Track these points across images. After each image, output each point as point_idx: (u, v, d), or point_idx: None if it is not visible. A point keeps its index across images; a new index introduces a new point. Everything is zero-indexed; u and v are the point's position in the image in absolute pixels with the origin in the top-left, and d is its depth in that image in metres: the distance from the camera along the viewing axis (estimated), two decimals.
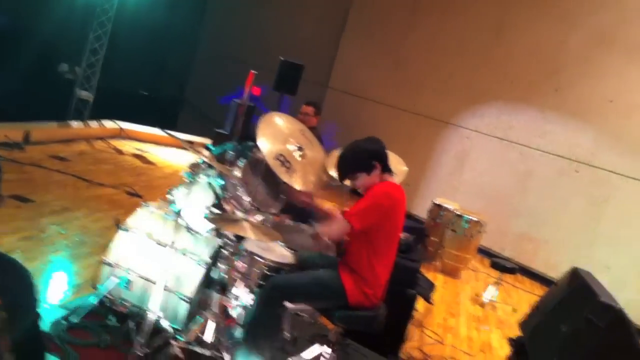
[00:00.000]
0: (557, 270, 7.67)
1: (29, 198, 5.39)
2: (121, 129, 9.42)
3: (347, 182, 3.23)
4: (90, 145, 8.30)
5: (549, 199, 8.06)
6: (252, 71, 8.77)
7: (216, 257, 3.07)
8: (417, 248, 5.08)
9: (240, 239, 3.06)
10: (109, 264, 3.24)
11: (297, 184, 3.09)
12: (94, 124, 9.05)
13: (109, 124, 9.31)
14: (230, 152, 3.41)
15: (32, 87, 9.31)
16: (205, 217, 3.02)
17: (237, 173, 3.24)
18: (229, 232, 3.10)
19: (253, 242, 3.19)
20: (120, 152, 8.43)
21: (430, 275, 6.86)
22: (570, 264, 7.56)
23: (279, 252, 3.34)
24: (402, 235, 5.25)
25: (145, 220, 3.32)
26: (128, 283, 3.15)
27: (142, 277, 3.23)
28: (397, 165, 4.16)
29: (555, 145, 8.06)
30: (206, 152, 2.94)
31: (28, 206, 5.23)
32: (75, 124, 8.81)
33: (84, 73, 9.28)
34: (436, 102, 9.34)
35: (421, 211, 8.67)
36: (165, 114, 12.99)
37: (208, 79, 13.05)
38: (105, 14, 9.07)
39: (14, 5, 9.15)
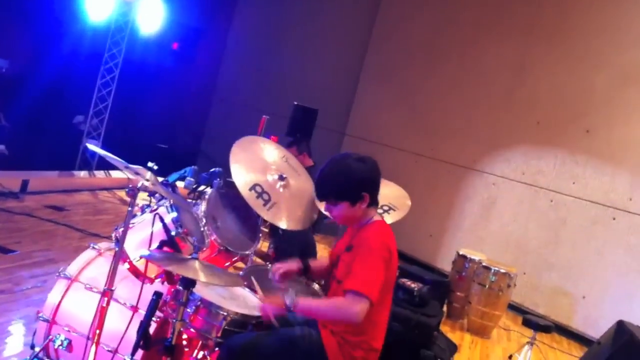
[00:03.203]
0: (596, 328, 7.00)
1: (12, 249, 5.00)
2: (129, 179, 9.05)
3: (321, 205, 2.68)
4: (93, 196, 7.92)
5: (584, 250, 7.40)
6: (265, 116, 8.46)
7: (153, 307, 2.40)
8: (433, 301, 4.49)
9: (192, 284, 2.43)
10: (46, 320, 2.69)
11: (278, 220, 2.55)
12: (100, 174, 8.73)
13: (116, 174, 8.97)
14: (189, 179, 2.88)
15: (41, 137, 9.09)
16: (142, 257, 2.45)
17: (203, 205, 2.72)
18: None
19: (213, 288, 2.59)
20: (124, 202, 8.03)
21: (456, 334, 6.26)
22: (611, 321, 6.88)
23: (246, 301, 2.72)
24: (415, 285, 4.71)
25: (90, 264, 2.77)
26: (67, 343, 2.59)
27: (82, 336, 2.64)
28: (401, 199, 3.62)
29: (588, 190, 7.46)
30: (147, 174, 2.41)
31: (8, 257, 4.82)
32: (80, 174, 8.48)
33: (91, 122, 9.02)
34: (457, 147, 8.84)
35: (445, 264, 8.09)
36: (181, 165, 12.65)
37: (223, 128, 12.77)
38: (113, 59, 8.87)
39: (17, 51, 8.97)
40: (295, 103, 8.45)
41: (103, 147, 9.16)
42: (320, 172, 2.64)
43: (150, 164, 2.50)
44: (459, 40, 9.08)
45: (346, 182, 2.57)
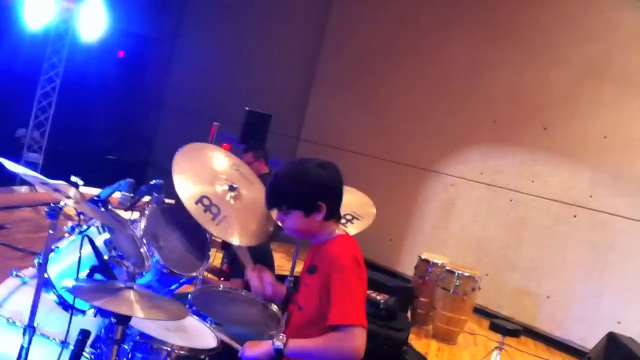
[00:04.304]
0: (562, 329, 6.97)
1: None
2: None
3: (273, 213, 2.41)
4: (35, 212, 7.46)
5: (546, 249, 7.30)
6: (215, 123, 8.15)
7: (79, 349, 2.04)
8: (401, 314, 4.26)
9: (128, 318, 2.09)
10: None
11: (229, 236, 2.27)
12: (42, 189, 8.26)
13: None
14: (124, 195, 2.57)
15: None
16: (62, 290, 2.12)
17: (142, 222, 2.42)
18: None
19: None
20: (70, 217, 7.60)
21: (422, 342, 6.08)
22: (577, 320, 6.81)
23: (194, 332, 2.39)
24: (381, 297, 4.48)
25: (13, 294, 2.43)
26: None
27: None
28: (365, 207, 3.38)
29: (548, 189, 7.37)
30: (72, 192, 2.10)
31: None
32: (22, 189, 8.00)
33: (31, 134, 8.56)
34: (416, 149, 8.69)
35: (407, 269, 7.92)
36: (131, 176, 12.18)
37: (174, 137, 12.35)
38: (53, 68, 8.42)
39: None
40: (247, 109, 8.18)
41: (45, 161, 8.73)
42: (274, 175, 2.35)
43: (74, 179, 2.20)
44: (414, 40, 8.95)
45: (300, 188, 2.26)
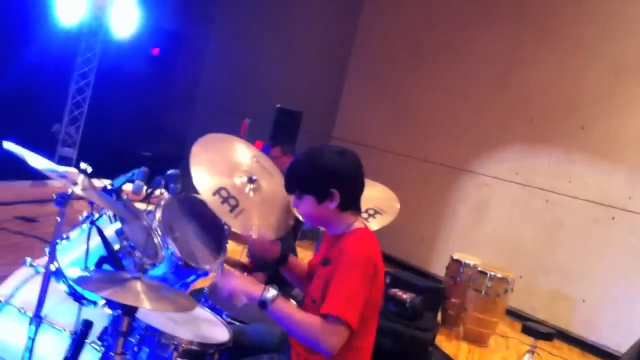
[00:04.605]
0: (598, 333, 6.75)
1: None
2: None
3: (290, 198, 2.31)
4: (68, 206, 7.54)
5: (582, 251, 7.08)
6: (246, 120, 8.12)
7: (79, 341, 1.97)
8: (427, 313, 4.14)
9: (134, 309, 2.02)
10: None
11: (247, 228, 2.20)
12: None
13: (95, 182, 8.59)
14: (138, 183, 2.50)
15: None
16: (69, 279, 2.06)
17: (157, 213, 2.36)
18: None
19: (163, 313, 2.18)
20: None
21: (452, 344, 5.95)
22: (613, 325, 6.58)
23: (204, 326, 2.31)
24: (407, 295, 4.36)
25: (26, 284, 2.39)
26: None
27: None
28: (388, 201, 3.26)
29: (585, 189, 7.14)
30: (80, 178, 2.04)
31: None
32: (55, 183, 8.09)
33: (66, 129, 8.64)
34: (448, 148, 8.53)
35: (439, 269, 7.76)
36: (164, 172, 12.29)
37: (207, 133, 12.43)
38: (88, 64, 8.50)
39: None
40: (278, 105, 8.10)
41: (80, 156, 8.79)
42: (293, 159, 2.28)
43: (83, 165, 2.15)
44: (446, 36, 8.79)
45: (312, 172, 2.19)
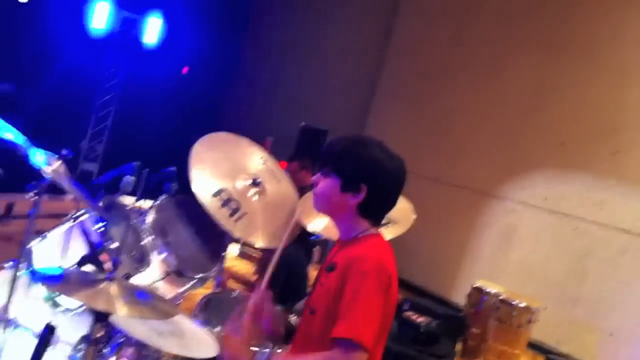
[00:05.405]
0: None
1: None
2: None
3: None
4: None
5: (611, 282, 6.81)
6: (268, 139, 8.03)
7: (41, 348, 1.79)
8: (444, 339, 3.93)
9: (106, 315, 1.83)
10: None
11: (248, 234, 2.05)
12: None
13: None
14: (129, 179, 2.36)
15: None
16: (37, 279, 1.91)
17: (151, 214, 2.22)
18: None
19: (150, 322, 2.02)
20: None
21: None
22: None
23: (188, 336, 2.12)
24: (422, 319, 4.17)
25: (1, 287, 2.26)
26: None
27: None
28: (403, 211, 3.10)
29: (615, 217, 6.88)
30: (56, 164, 1.90)
31: None
32: (69, 198, 8.08)
33: (89, 143, 8.68)
34: (475, 172, 8.31)
35: (461, 297, 7.49)
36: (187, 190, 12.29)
37: None
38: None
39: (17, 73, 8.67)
40: (303, 124, 8.02)
41: (102, 170, 8.79)
42: (336, 139, 2.13)
43: (64, 151, 2.02)
44: (476, 58, 8.61)
45: (352, 155, 2.03)
